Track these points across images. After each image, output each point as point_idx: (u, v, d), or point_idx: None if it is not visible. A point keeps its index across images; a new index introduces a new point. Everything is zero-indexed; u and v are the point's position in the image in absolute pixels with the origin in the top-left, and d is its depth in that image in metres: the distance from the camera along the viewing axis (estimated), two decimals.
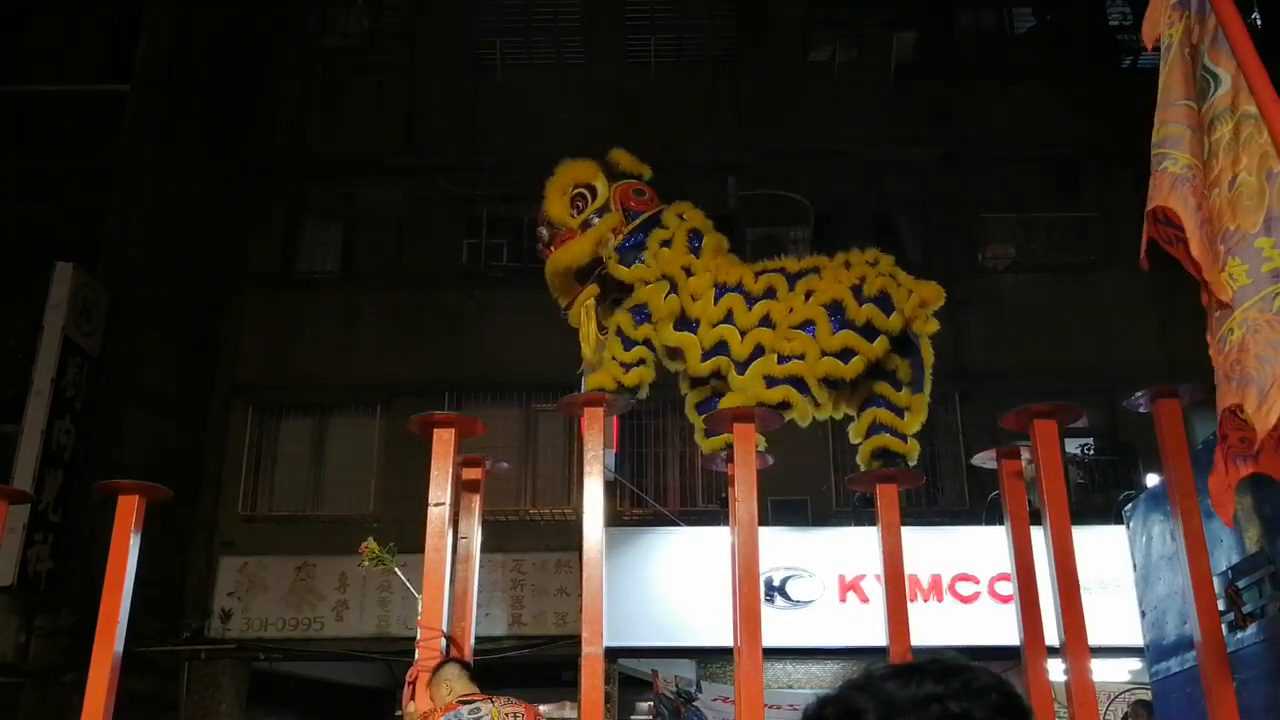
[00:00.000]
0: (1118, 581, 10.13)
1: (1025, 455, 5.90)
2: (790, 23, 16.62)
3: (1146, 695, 9.36)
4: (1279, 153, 3.58)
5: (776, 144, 15.96)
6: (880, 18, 16.15)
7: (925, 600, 11.99)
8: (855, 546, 12.03)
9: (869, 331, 6.24)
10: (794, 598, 12.17)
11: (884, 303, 6.30)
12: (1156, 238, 3.85)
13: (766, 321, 6.32)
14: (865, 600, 11.95)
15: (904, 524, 6.02)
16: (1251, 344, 3.50)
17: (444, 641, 5.69)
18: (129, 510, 5.67)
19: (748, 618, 5.26)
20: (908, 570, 5.94)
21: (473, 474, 6.50)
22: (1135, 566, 7.84)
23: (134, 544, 5.64)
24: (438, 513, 5.71)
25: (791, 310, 6.32)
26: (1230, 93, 3.76)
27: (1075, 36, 16.25)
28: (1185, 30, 4.00)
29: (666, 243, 6.53)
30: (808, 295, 6.38)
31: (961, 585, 12.21)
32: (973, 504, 13.80)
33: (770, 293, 6.40)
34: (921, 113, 16.15)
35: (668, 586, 12.26)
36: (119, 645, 5.46)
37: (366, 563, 6.51)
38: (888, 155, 16.01)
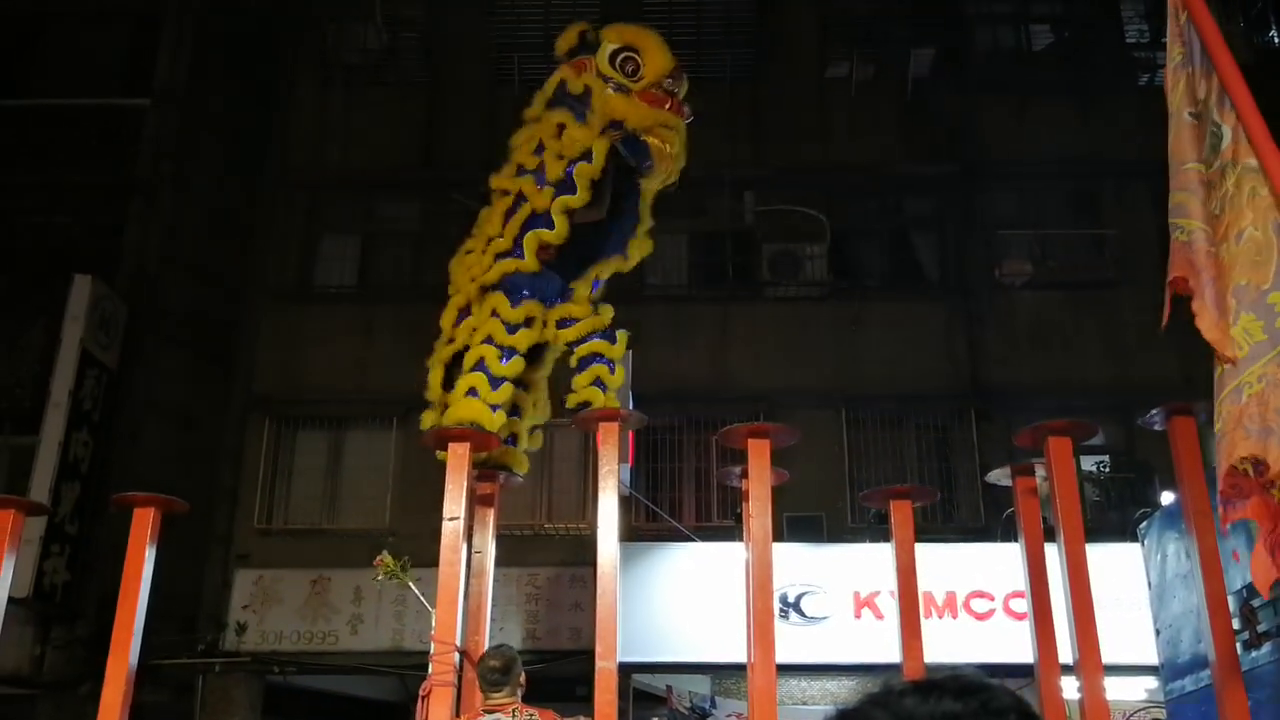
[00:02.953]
0: (1133, 599, 10.09)
1: (1040, 472, 5.89)
2: (808, 39, 16.66)
3: (1161, 714, 9.33)
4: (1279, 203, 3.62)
5: (794, 160, 15.98)
6: (898, 35, 16.17)
7: (940, 617, 11.96)
8: (870, 563, 12.01)
9: None
10: (808, 614, 12.15)
11: None
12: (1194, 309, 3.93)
13: None
14: (880, 617, 11.93)
15: (919, 540, 6.01)
16: (1272, 398, 3.53)
17: (458, 656, 5.70)
18: (145, 522, 5.69)
19: (762, 633, 5.26)
20: (922, 587, 5.93)
21: (488, 488, 6.51)
22: (1150, 584, 7.81)
23: (150, 556, 5.65)
24: (452, 527, 5.72)
25: None
26: (1231, 145, 3.82)
27: (1093, 53, 16.23)
28: (1187, 91, 4.08)
29: None
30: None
31: (976, 602, 12.17)
32: (988, 521, 13.77)
33: None
34: (939, 129, 16.15)
35: (682, 602, 12.25)
36: (134, 657, 5.48)
37: (381, 576, 6.53)
38: (905, 172, 16.02)
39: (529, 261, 6.54)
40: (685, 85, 6.80)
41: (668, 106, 6.58)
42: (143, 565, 5.61)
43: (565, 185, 6.57)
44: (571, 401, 6.60)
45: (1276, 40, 16.37)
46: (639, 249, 7.06)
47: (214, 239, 15.51)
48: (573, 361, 6.71)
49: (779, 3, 16.93)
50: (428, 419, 6.67)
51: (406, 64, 16.57)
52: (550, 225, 6.54)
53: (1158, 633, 7.58)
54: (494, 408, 6.33)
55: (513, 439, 6.77)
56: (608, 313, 6.81)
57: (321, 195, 16.48)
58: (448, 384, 6.68)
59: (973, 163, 15.83)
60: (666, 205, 16.32)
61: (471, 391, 6.33)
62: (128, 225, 14.55)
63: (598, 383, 6.54)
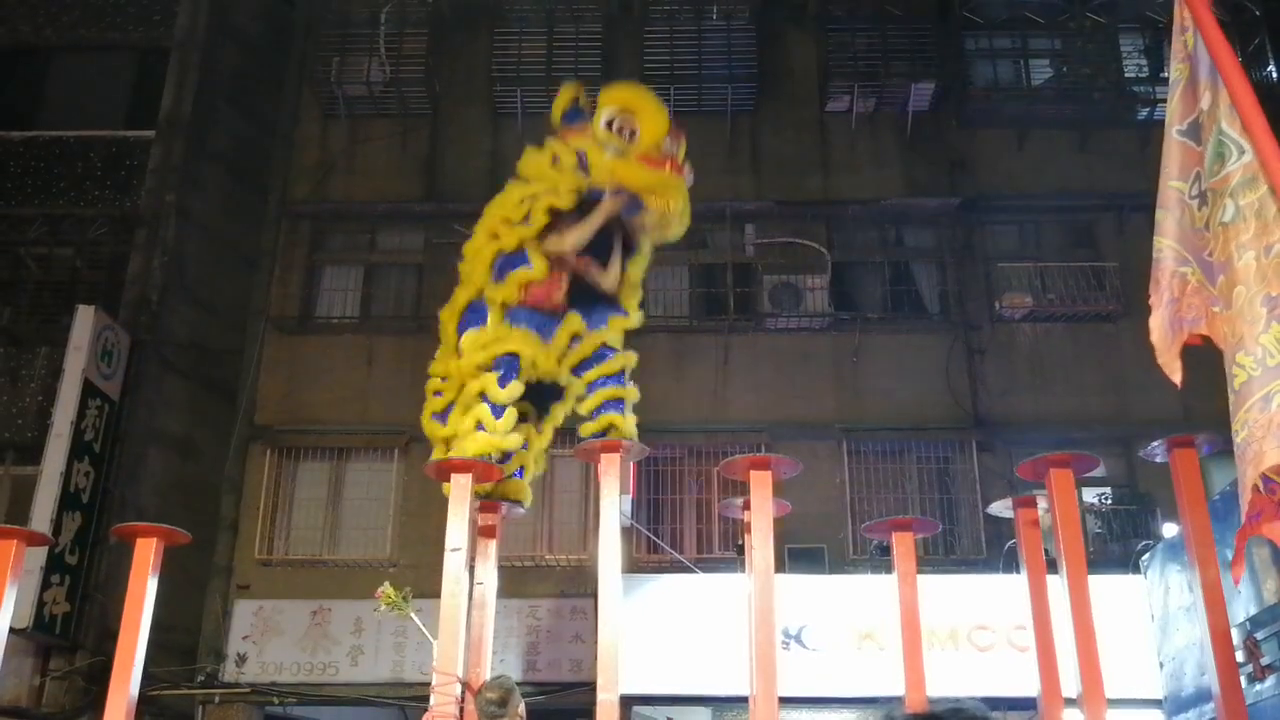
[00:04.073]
0: (1136, 632, 10.08)
1: (1042, 504, 5.89)
2: (808, 74, 16.77)
3: None
4: None
5: (794, 192, 16.06)
6: (898, 69, 16.25)
7: (942, 649, 11.91)
8: (872, 594, 11.97)
9: None
10: (810, 646, 12.10)
11: None
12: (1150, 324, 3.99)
13: None
14: (882, 649, 11.88)
15: (921, 572, 6.00)
16: None
17: (459, 687, 5.68)
18: (146, 553, 5.67)
19: (763, 666, 5.24)
20: (924, 619, 5.92)
21: (489, 519, 6.50)
22: (1153, 617, 7.81)
23: (151, 587, 5.63)
24: (454, 558, 5.71)
25: None
26: (1257, 162, 3.82)
27: (1092, 88, 16.32)
28: (1180, 107, 4.12)
29: None
30: None
31: (978, 634, 12.13)
32: (990, 552, 13.75)
33: None
34: (939, 163, 16.24)
35: (683, 633, 12.20)
36: (135, 688, 5.46)
37: (382, 608, 6.51)
38: (905, 205, 16.08)
39: (508, 291, 6.52)
40: (683, 145, 6.82)
41: (667, 168, 6.57)
42: (144, 596, 5.59)
43: (525, 218, 6.56)
44: (586, 431, 6.56)
45: (1275, 75, 16.44)
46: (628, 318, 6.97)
47: (217, 270, 15.57)
48: (579, 386, 6.67)
49: (780, 37, 17.04)
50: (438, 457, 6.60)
51: (409, 96, 16.65)
52: (527, 263, 6.52)
53: (1161, 666, 7.58)
54: (504, 435, 6.31)
55: (520, 471, 6.75)
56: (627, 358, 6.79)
57: (324, 226, 16.55)
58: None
59: (973, 196, 15.91)
60: None
61: (479, 426, 6.30)
62: (131, 256, 14.61)
63: (614, 405, 6.52)
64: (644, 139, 6.56)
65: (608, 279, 6.69)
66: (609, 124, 6.65)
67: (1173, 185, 4.13)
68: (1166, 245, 4.06)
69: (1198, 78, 4.13)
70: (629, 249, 6.81)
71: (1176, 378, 3.82)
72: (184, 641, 13.70)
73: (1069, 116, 16.14)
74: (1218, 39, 4.09)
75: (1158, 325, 3.93)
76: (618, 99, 6.79)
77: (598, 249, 6.63)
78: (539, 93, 16.49)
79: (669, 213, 6.55)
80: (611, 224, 6.63)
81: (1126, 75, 16.75)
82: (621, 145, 6.57)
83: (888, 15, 16.58)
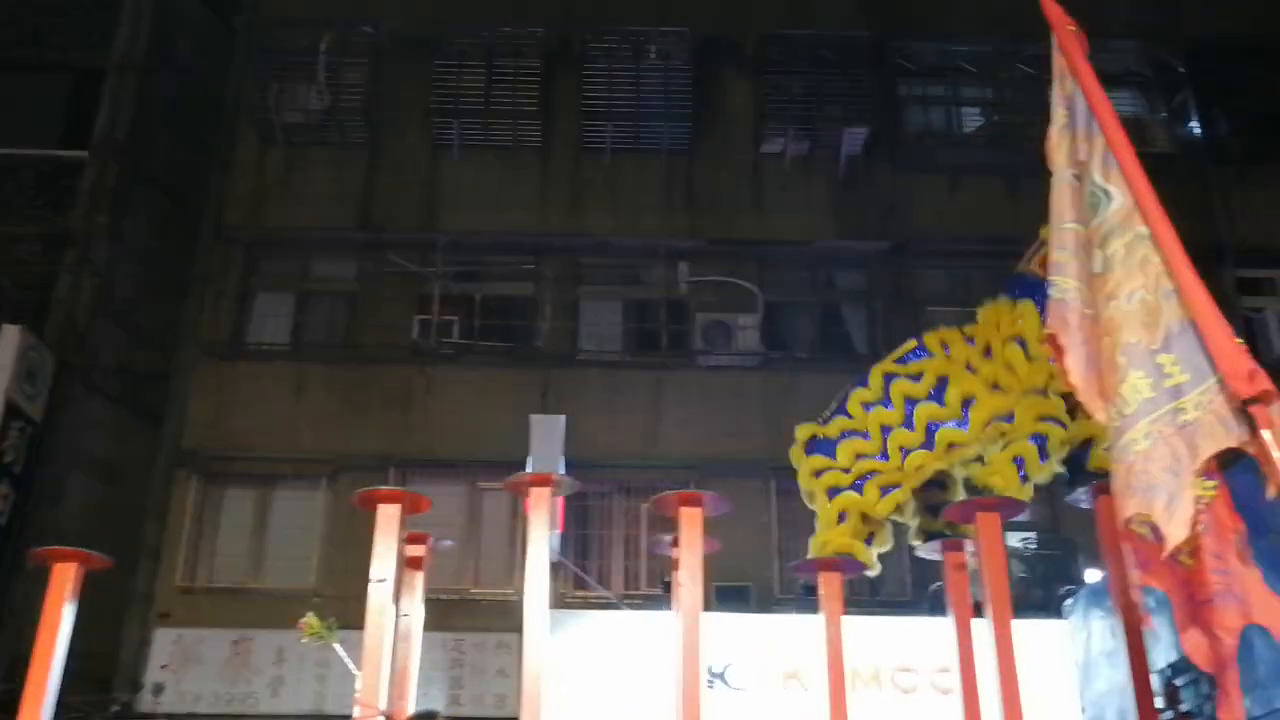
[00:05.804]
0: (1059, 677, 10.17)
1: (969, 547, 5.94)
2: (744, 115, 16.91)
3: None
4: (1171, 271, 3.70)
5: (728, 232, 16.17)
6: (832, 114, 16.47)
7: (866, 690, 11.95)
8: (797, 634, 12.00)
9: None
10: (735, 685, 12.10)
11: None
12: (1059, 362, 4.04)
13: None
14: (806, 689, 11.90)
15: (846, 613, 6.02)
16: (1156, 455, 3.58)
17: None
18: (64, 578, 5.56)
19: (689, 704, 5.24)
20: (849, 660, 5.94)
21: (416, 551, 6.45)
22: (1076, 662, 7.90)
23: (68, 614, 5.52)
24: (380, 589, 5.66)
25: None
26: (1124, 210, 3.92)
27: (1022, 136, 16.59)
28: (1070, 150, 4.21)
29: None
30: None
31: (901, 676, 12.18)
32: (915, 594, 13.82)
33: None
34: (871, 206, 16.43)
35: (609, 671, 12.16)
36: (46, 719, 5.35)
37: (306, 638, 6.42)
38: (836, 247, 16.26)
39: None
40: None
41: None
42: (59, 624, 5.48)
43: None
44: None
45: (1196, 131, 16.82)
46: None
47: (148, 293, 15.41)
48: None
49: (716, 78, 17.19)
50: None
51: (347, 126, 16.61)
52: None
53: (1083, 710, 7.66)
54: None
55: None
56: None
57: (257, 252, 16.42)
58: None
59: (904, 240, 16.11)
60: (602, 274, 16.43)
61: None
62: (60, 276, 14.42)
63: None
64: None
65: None
66: None
67: (1068, 227, 4.21)
68: (1072, 286, 4.13)
69: (1075, 126, 4.25)
70: None
71: (1102, 417, 3.88)
72: (100, 670, 13.42)
73: (1000, 163, 16.37)
74: (1093, 86, 4.22)
75: (1075, 365, 3.98)
76: None
77: None
78: (476, 125, 16.53)
79: None
80: None
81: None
82: None
83: (823, 60, 16.79)
